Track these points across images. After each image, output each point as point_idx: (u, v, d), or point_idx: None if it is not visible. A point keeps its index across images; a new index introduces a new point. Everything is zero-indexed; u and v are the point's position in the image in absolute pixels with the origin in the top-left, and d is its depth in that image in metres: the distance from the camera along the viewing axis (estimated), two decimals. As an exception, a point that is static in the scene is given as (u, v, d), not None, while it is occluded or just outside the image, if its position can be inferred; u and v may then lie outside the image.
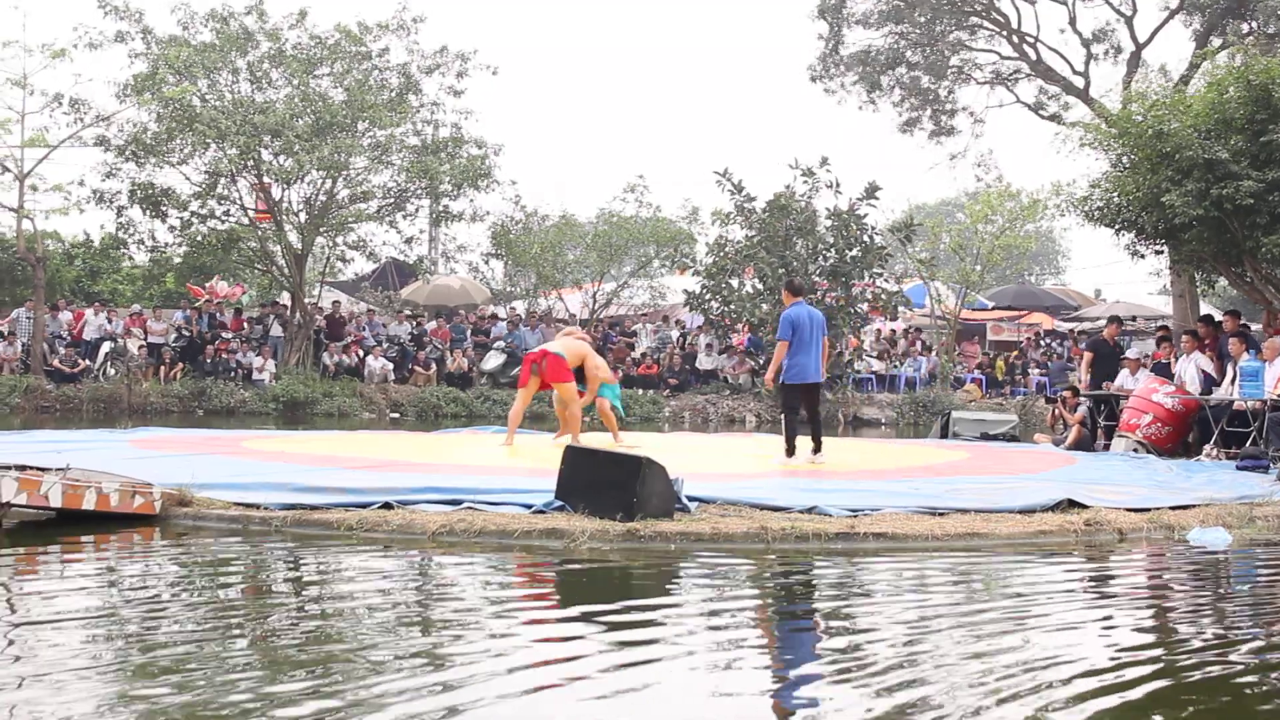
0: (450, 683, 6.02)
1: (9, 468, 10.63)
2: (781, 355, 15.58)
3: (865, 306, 36.21)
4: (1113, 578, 10.16)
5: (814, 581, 9.32)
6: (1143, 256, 23.48)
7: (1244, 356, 18.71)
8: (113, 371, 33.05)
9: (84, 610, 7.60)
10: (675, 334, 41.14)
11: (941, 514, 11.41)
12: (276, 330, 36.53)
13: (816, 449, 15.72)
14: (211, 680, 5.97)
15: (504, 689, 5.98)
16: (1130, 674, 6.48)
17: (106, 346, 33.76)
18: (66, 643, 6.67)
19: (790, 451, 15.65)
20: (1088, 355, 22.38)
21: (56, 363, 32.66)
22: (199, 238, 35.22)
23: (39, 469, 10.86)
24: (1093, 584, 9.80)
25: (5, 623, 7.26)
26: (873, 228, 35.67)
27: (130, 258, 41.58)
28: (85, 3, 35.50)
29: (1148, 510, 12.15)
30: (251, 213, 35.54)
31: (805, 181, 35.40)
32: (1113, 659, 6.85)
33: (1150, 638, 7.73)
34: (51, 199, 32.59)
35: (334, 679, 6.05)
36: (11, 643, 6.78)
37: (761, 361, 35.69)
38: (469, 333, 38.76)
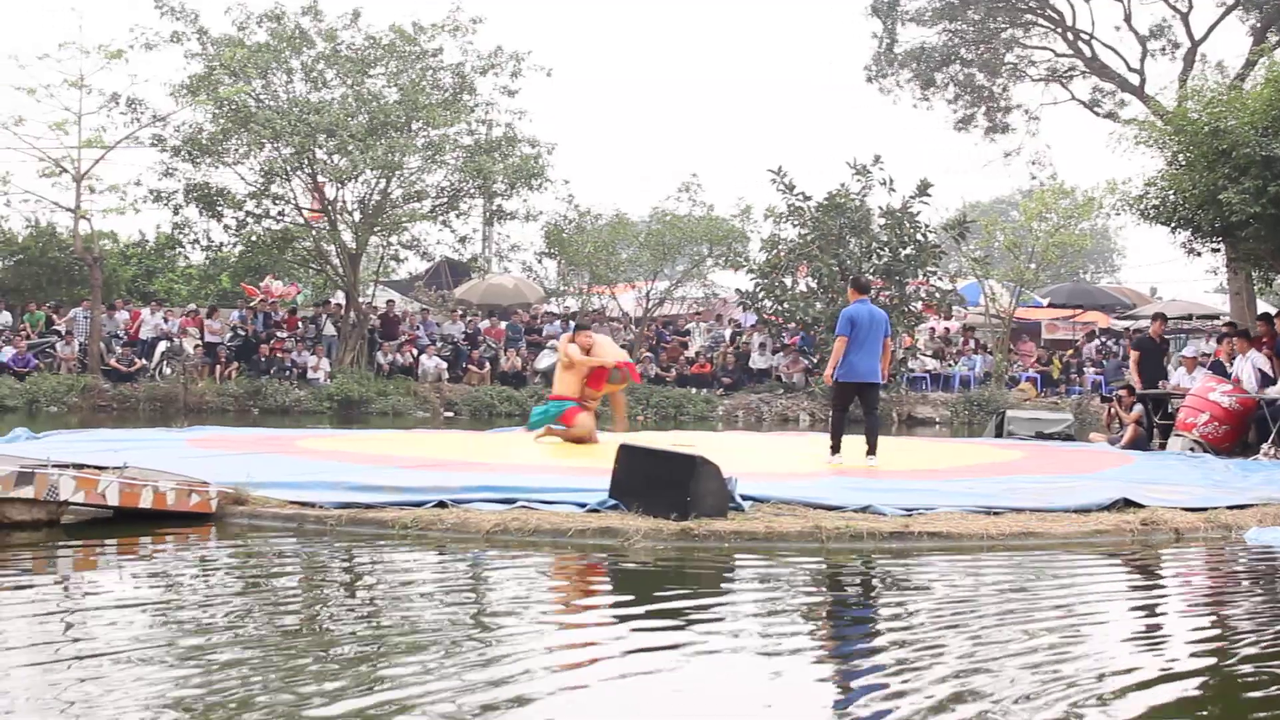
0: (501, 679, 6.04)
1: (67, 466, 10.71)
2: (840, 352, 15.43)
3: (919, 305, 36.10)
4: (1169, 578, 10.09)
5: (868, 581, 9.30)
6: (1199, 254, 23.36)
7: (1302, 354, 18.56)
8: (169, 370, 33.31)
9: (139, 605, 7.66)
10: (728, 333, 41.13)
11: (997, 513, 11.34)
12: (330, 329, 36.73)
13: (870, 451, 15.53)
14: (265, 676, 6.00)
15: (555, 687, 6.00)
16: (1188, 683, 6.42)
17: (163, 346, 34.01)
18: (122, 637, 6.73)
19: (835, 449, 15.56)
20: (1134, 354, 22.14)
21: (113, 362, 32.94)
22: (254, 237, 35.48)
23: (96, 468, 10.94)
24: (1149, 585, 9.75)
25: (62, 616, 7.33)
26: (926, 226, 35.54)
27: (186, 257, 41.88)
28: (142, 3, 35.76)
29: (1205, 510, 12.05)
30: (306, 212, 35.75)
31: (859, 180, 35.32)
32: (1169, 663, 6.80)
33: (1208, 640, 7.66)
34: (108, 199, 32.82)
35: (385, 674, 6.07)
36: (68, 630, 6.85)
37: (815, 361, 35.69)
38: (523, 331, 38.85)
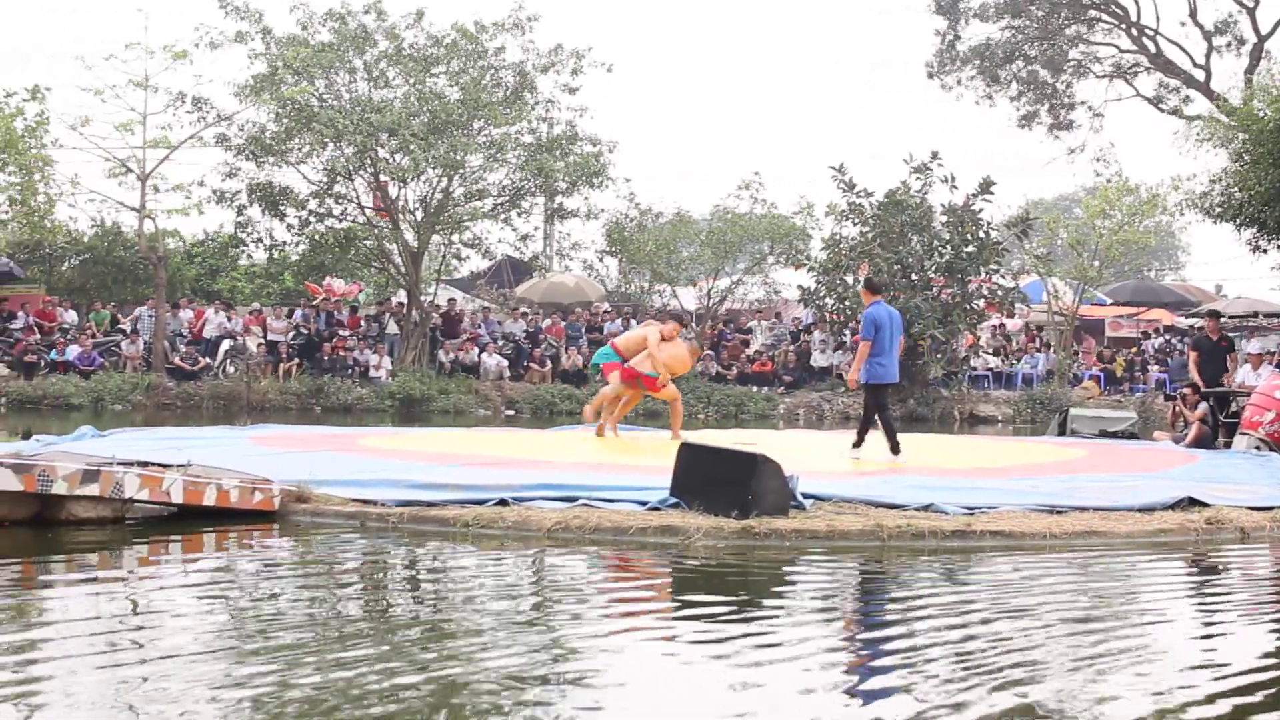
0: (553, 666, 6.06)
1: (132, 464, 10.80)
2: (865, 354, 15.54)
3: (981, 303, 35.90)
4: (1236, 578, 10.02)
5: (930, 580, 9.25)
6: (1264, 251, 23.16)
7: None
8: (232, 369, 33.49)
9: (202, 595, 7.74)
10: (788, 330, 41.00)
11: (1060, 512, 11.29)
12: (392, 328, 36.83)
13: (894, 449, 15.60)
14: (322, 656, 6.04)
15: (608, 674, 6.02)
16: (1258, 689, 6.37)
17: (226, 344, 34.21)
18: (188, 630, 6.80)
19: (894, 449, 15.55)
20: (1192, 354, 21.91)
21: (177, 360, 33.14)
22: (316, 236, 35.64)
23: (161, 465, 11.04)
24: (1215, 584, 9.67)
25: (129, 609, 7.40)
26: (988, 223, 35.37)
27: (249, 255, 42.10)
28: (206, 3, 35.99)
29: (1270, 509, 11.96)
30: (369, 211, 35.89)
31: (919, 177, 35.18)
32: (1239, 665, 6.74)
33: (1275, 642, 7.60)
34: (173, 199, 33.03)
35: (436, 657, 6.11)
36: (138, 627, 6.91)
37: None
38: (584, 330, 38.86)
